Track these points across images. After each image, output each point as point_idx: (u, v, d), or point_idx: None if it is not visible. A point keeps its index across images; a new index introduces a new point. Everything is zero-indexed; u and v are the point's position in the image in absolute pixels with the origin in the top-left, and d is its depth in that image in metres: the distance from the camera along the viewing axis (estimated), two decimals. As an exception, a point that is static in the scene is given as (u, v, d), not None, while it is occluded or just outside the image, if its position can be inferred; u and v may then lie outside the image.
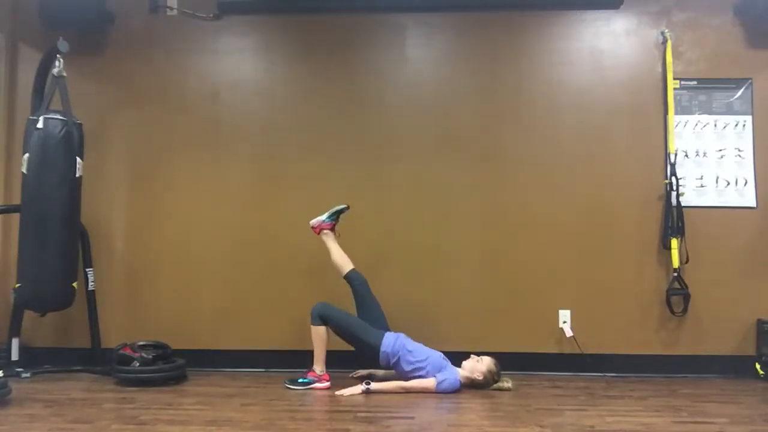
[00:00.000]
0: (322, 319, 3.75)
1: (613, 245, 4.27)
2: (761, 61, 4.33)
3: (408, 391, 3.61)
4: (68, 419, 3.04)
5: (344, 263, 3.95)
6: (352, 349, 3.83)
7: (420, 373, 3.67)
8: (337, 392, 3.59)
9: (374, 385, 3.61)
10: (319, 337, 3.76)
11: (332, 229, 4.01)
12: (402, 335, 3.81)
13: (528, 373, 4.10)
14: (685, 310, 4.18)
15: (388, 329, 3.84)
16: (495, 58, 4.41)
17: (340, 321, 3.77)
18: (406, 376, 3.70)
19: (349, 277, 3.93)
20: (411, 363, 3.68)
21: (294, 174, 4.39)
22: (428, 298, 4.28)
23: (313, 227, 4.02)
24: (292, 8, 4.47)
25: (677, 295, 4.19)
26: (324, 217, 4.00)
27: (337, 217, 4.02)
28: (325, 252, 4.03)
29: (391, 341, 3.73)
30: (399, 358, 3.70)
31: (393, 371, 3.79)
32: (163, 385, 3.76)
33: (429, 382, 3.62)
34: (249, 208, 4.40)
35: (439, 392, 3.58)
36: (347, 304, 3.88)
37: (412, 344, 3.76)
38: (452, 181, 4.35)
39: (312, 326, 3.76)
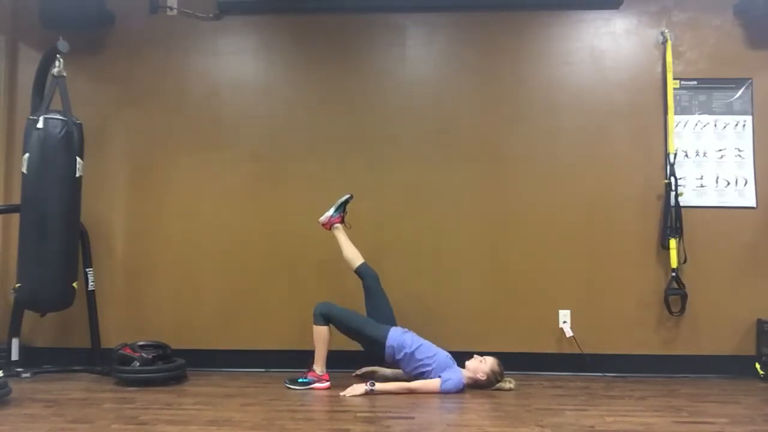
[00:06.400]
0: (324, 318, 3.74)
1: (614, 245, 4.27)
2: (761, 61, 4.33)
3: (412, 392, 3.58)
4: (68, 419, 3.04)
5: (355, 257, 3.95)
6: (353, 349, 3.83)
7: (426, 370, 3.66)
8: (341, 393, 3.57)
9: (378, 386, 3.58)
10: (321, 337, 3.75)
11: (342, 222, 4.02)
12: (409, 331, 3.79)
13: (528, 373, 4.10)
14: (683, 310, 4.18)
15: (395, 326, 3.82)
16: (495, 58, 4.41)
17: (343, 318, 3.76)
18: (411, 374, 3.69)
19: (359, 272, 3.93)
20: (417, 360, 3.67)
21: (294, 174, 4.40)
22: (428, 299, 4.28)
23: (323, 224, 4.02)
24: (292, 8, 4.47)
25: (675, 295, 4.19)
26: (331, 211, 4.01)
27: (344, 208, 4.03)
28: (325, 251, 4.04)
29: (397, 336, 3.71)
30: (405, 354, 3.67)
31: (400, 370, 3.77)
32: (163, 385, 3.76)
33: (434, 383, 3.60)
34: (249, 207, 4.40)
35: (443, 392, 3.57)
36: (348, 305, 3.87)
37: (419, 341, 3.74)
38: (452, 181, 4.35)
39: (314, 326, 3.75)
